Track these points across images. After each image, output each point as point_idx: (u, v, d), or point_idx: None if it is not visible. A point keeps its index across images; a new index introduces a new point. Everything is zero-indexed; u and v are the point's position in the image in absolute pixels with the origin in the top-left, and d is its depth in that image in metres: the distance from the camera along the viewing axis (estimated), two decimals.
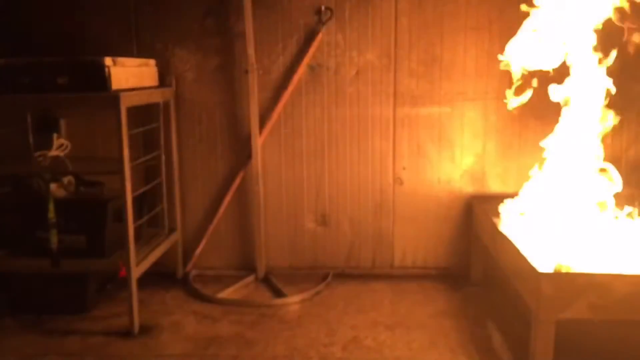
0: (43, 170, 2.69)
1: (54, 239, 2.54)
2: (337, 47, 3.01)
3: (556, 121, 2.69)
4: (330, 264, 3.18)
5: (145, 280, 2.69)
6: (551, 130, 2.87)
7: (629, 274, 1.90)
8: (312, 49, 2.98)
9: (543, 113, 2.91)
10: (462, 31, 2.96)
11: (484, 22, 2.95)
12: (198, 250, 3.17)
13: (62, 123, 3.00)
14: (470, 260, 3.06)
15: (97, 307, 2.76)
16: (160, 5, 3.01)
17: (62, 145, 2.94)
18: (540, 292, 1.91)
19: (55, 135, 2.92)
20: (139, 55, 2.99)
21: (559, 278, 1.94)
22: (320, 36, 2.97)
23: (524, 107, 2.98)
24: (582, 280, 1.90)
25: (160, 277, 3.08)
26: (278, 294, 2.93)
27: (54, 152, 2.90)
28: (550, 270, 2.00)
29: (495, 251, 2.57)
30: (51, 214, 2.52)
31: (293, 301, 2.84)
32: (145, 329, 2.54)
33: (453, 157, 3.07)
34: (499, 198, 2.90)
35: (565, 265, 2.01)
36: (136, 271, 2.52)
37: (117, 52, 2.59)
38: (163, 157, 3.01)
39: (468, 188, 3.08)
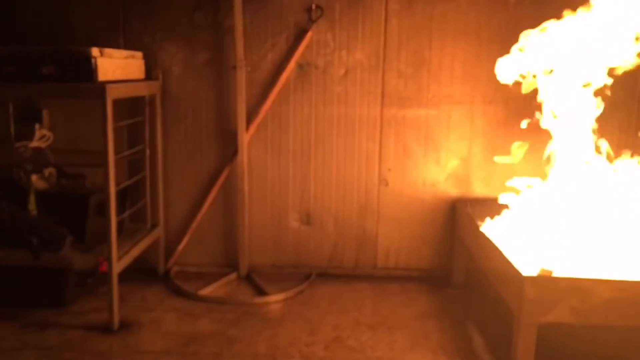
0: (24, 161, 2.64)
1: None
2: (326, 46, 3.01)
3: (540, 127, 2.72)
4: (313, 264, 3.17)
5: (126, 276, 2.66)
6: (536, 135, 2.92)
7: (611, 279, 1.92)
8: (301, 47, 2.97)
9: (528, 117, 2.95)
10: (450, 35, 2.98)
11: (472, 26, 2.97)
12: (180, 247, 3.14)
13: (45, 114, 2.95)
14: (453, 263, 3.08)
15: (76, 301, 2.72)
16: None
17: (44, 136, 2.89)
18: (523, 295, 1.93)
19: (37, 126, 2.87)
20: (126, 47, 2.95)
21: (542, 282, 1.96)
22: (310, 34, 2.97)
23: (509, 112, 3.03)
24: (565, 285, 1.92)
25: (141, 272, 3.04)
26: (260, 292, 2.91)
27: (35, 143, 2.85)
28: (534, 274, 2.01)
29: (478, 254, 2.59)
30: (32, 206, 2.48)
31: (275, 300, 2.83)
32: (125, 325, 2.51)
33: (438, 159, 3.08)
34: (483, 201, 2.93)
35: (548, 269, 2.03)
36: (117, 266, 2.49)
37: (103, 43, 2.55)
38: (147, 152, 2.97)
39: (452, 191, 3.10)
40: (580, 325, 1.92)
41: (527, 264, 2.07)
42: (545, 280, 1.97)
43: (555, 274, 2.01)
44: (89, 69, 2.32)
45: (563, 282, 1.94)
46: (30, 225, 1.81)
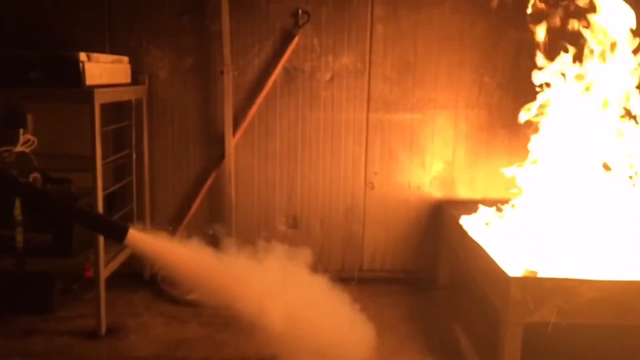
0: (9, 166, 2.61)
1: (19, 237, 2.47)
2: (312, 51, 3.03)
3: (523, 129, 2.78)
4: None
5: (112, 281, 2.63)
6: (518, 139, 2.98)
7: (595, 279, 1.97)
8: (288, 52, 2.99)
9: (510, 122, 3.01)
10: (435, 40, 3.03)
11: (456, 32, 3.02)
12: None
13: (29, 118, 2.92)
14: (438, 264, 3.12)
15: (62, 307, 2.69)
16: (135, 2, 2.97)
17: (28, 140, 2.86)
18: (509, 296, 1.97)
19: (21, 131, 2.84)
20: (112, 51, 2.94)
21: (528, 282, 2.00)
22: (296, 39, 2.99)
23: (492, 117, 3.08)
24: (550, 285, 1.97)
25: (127, 278, 3.02)
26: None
27: (19, 148, 2.82)
28: (520, 275, 2.05)
29: (464, 255, 2.63)
30: (17, 212, 2.45)
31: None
32: (112, 331, 2.49)
33: (423, 163, 3.12)
34: (467, 204, 2.97)
35: (533, 269, 2.07)
36: (105, 271, 2.48)
37: (89, 48, 2.54)
38: (134, 156, 2.96)
39: (437, 193, 3.14)
40: (565, 324, 1.96)
41: (512, 265, 2.11)
42: (530, 281, 2.01)
43: (540, 275, 2.05)
44: (76, 74, 2.31)
45: (548, 282, 1.98)
46: (93, 218, 1.80)
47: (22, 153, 2.78)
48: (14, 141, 2.80)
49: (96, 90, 2.32)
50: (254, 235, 3.15)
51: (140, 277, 3.09)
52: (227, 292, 1.98)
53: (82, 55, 2.35)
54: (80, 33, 2.95)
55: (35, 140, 2.86)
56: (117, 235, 1.75)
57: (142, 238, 1.84)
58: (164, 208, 3.13)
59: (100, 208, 2.40)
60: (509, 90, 3.03)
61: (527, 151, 2.77)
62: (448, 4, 2.98)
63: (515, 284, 1.97)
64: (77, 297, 2.79)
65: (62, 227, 2.58)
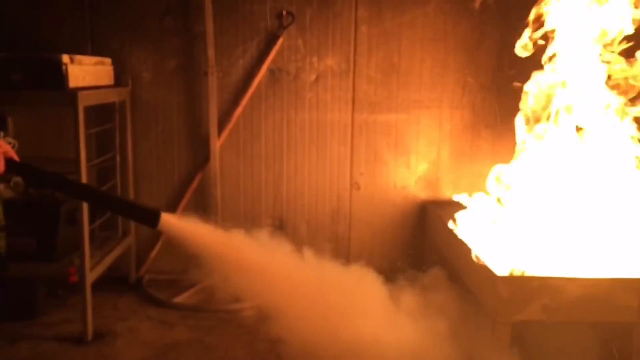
0: None
1: (2, 242, 2.42)
2: (297, 52, 3.03)
3: (506, 130, 2.81)
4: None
5: (97, 285, 2.60)
6: (501, 139, 3.02)
7: (580, 277, 2.01)
8: (272, 53, 2.99)
9: (493, 122, 3.05)
10: (419, 41, 3.05)
11: (439, 33, 3.04)
12: (152, 254, 3.11)
13: (10, 121, 2.87)
14: (424, 264, 3.13)
15: (47, 313, 2.66)
16: (118, 3, 2.94)
17: (9, 144, 2.81)
18: (498, 295, 1.99)
19: (1, 134, 2.79)
20: (94, 53, 2.90)
21: (515, 281, 2.03)
22: (281, 40, 2.98)
23: (475, 117, 3.11)
24: (536, 284, 2.00)
25: (112, 281, 2.98)
26: (235, 298, 2.90)
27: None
28: (507, 274, 2.08)
29: (451, 255, 2.65)
30: (0, 216, 2.41)
31: (251, 305, 2.83)
32: (99, 335, 2.47)
33: (408, 163, 3.14)
34: (452, 203, 3.00)
35: (519, 268, 2.10)
36: (90, 276, 2.45)
37: (71, 49, 2.51)
38: (118, 159, 2.93)
39: (422, 193, 3.16)
40: (552, 322, 1.99)
41: (499, 264, 2.14)
42: (517, 280, 2.04)
43: (527, 273, 2.08)
44: (59, 76, 2.27)
45: (535, 281, 2.01)
46: (126, 205, 1.78)
47: None
48: None
49: (80, 93, 2.30)
50: None
51: (126, 280, 3.06)
52: (260, 277, 1.94)
53: (65, 57, 2.32)
54: (62, 34, 2.91)
55: (17, 143, 2.81)
56: (150, 221, 1.73)
57: (174, 222, 1.82)
58: None
59: (85, 212, 2.37)
60: (492, 90, 3.07)
61: (511, 151, 2.81)
62: (431, 5, 3.01)
63: (503, 283, 1.99)
64: (62, 302, 2.75)
65: (45, 232, 2.54)
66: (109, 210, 1.79)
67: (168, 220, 1.78)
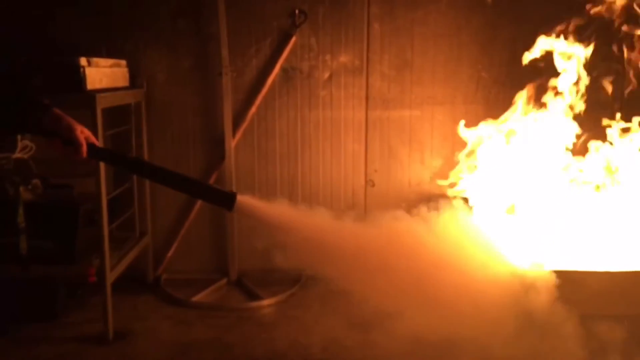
0: (7, 173, 2.60)
1: (23, 244, 2.46)
2: (310, 50, 3.04)
3: None
4: (303, 266, 3.19)
5: (115, 285, 2.62)
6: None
7: (601, 271, 2.00)
8: (285, 52, 2.99)
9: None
10: (431, 37, 3.04)
11: (452, 29, 3.04)
12: (169, 254, 3.12)
13: None
14: None
15: (67, 313, 2.68)
16: (131, 5, 2.95)
17: (26, 147, 2.84)
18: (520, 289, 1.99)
19: (19, 137, 2.82)
20: (109, 55, 2.91)
21: (535, 275, 2.03)
22: (294, 39, 2.99)
23: (489, 112, 3.10)
24: (557, 277, 1.99)
25: (130, 281, 3.00)
26: (252, 296, 2.92)
27: (18, 154, 2.80)
28: (527, 267, 2.08)
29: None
30: (21, 219, 2.44)
31: (268, 303, 2.85)
32: (119, 335, 2.49)
33: (423, 159, 3.14)
34: (466, 199, 2.99)
35: (539, 263, 2.10)
36: (111, 276, 2.47)
37: (86, 52, 2.53)
38: None
39: (437, 190, 3.16)
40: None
41: (519, 258, 2.14)
42: (538, 274, 2.03)
43: (547, 267, 2.08)
44: (77, 79, 2.30)
45: (555, 274, 2.01)
46: (203, 188, 1.80)
47: (20, 159, 2.76)
48: (12, 148, 2.78)
49: (98, 95, 2.31)
50: (256, 234, 3.15)
51: (143, 280, 3.08)
52: (343, 255, 1.91)
53: (83, 60, 2.34)
54: (77, 36, 2.92)
55: (34, 146, 2.84)
56: (227, 203, 1.75)
57: (249, 203, 1.82)
58: (165, 211, 3.12)
59: (104, 213, 2.40)
60: (506, 85, 3.05)
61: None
62: (444, 1, 3.00)
63: (524, 277, 1.99)
64: (81, 302, 2.77)
65: (65, 233, 2.56)
66: (185, 192, 1.82)
67: (244, 202, 1.78)
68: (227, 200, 1.75)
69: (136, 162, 1.66)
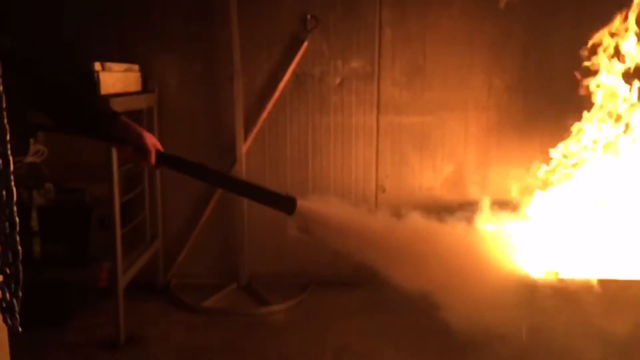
0: (23, 177, 2.61)
1: (36, 248, 2.46)
2: (321, 55, 3.04)
3: (532, 131, 2.81)
4: (313, 271, 3.19)
5: (125, 289, 2.62)
6: (528, 140, 3.01)
7: (617, 279, 1.99)
8: (297, 57, 2.99)
9: (520, 124, 3.04)
10: (443, 43, 3.04)
11: (464, 35, 3.03)
12: (180, 258, 3.12)
13: None
14: None
15: (78, 317, 2.68)
16: (144, 10, 2.96)
17: (38, 151, 2.85)
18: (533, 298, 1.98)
19: (31, 141, 2.83)
20: (121, 59, 2.92)
21: (550, 284, 2.01)
22: (305, 44, 2.99)
23: (501, 118, 3.10)
24: (572, 286, 1.98)
25: (139, 285, 3.00)
26: (262, 302, 2.92)
27: (30, 159, 2.81)
28: (541, 276, 2.07)
29: None
30: (34, 222, 2.44)
31: (279, 309, 2.84)
32: (131, 340, 2.48)
33: (434, 165, 3.13)
34: (478, 205, 2.98)
35: (554, 271, 2.09)
36: (123, 281, 2.47)
37: (99, 56, 2.53)
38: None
39: (448, 195, 3.15)
40: None
41: (532, 267, 2.12)
42: (553, 283, 2.02)
43: (561, 276, 2.06)
44: (92, 83, 2.30)
45: (570, 283, 1.99)
46: (264, 192, 1.82)
47: (33, 163, 2.77)
48: (25, 151, 2.79)
49: (112, 100, 2.32)
50: (267, 239, 3.15)
51: (153, 284, 3.08)
52: (407, 258, 1.90)
53: (97, 65, 2.35)
54: (89, 40, 2.93)
55: (46, 150, 2.85)
56: (288, 207, 1.77)
57: (310, 207, 1.83)
58: (176, 215, 3.12)
59: (117, 217, 2.40)
60: (519, 91, 3.04)
61: (537, 152, 2.81)
62: (456, 6, 3.00)
63: (538, 286, 1.98)
64: (92, 306, 2.77)
65: (77, 237, 2.57)
66: (248, 197, 1.86)
67: (303, 206, 1.79)
68: (287, 204, 1.79)
69: (201, 168, 1.69)
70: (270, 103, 3.03)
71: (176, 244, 3.13)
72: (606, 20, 2.56)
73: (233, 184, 1.82)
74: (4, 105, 0.84)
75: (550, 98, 2.95)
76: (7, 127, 0.85)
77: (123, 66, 2.69)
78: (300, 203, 1.77)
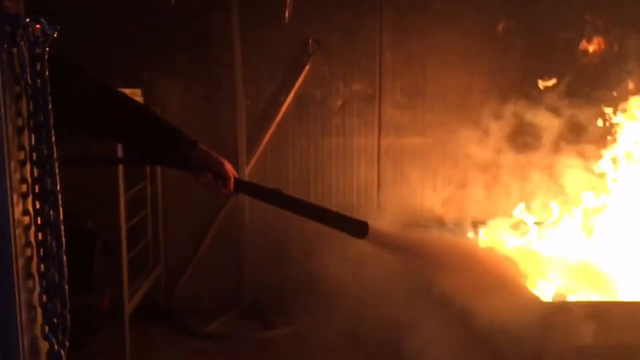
0: None
1: None
2: (323, 78, 3.07)
3: (534, 151, 2.85)
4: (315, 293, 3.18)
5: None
6: (528, 160, 3.05)
7: (626, 301, 2.02)
8: (299, 80, 3.02)
9: (520, 144, 3.07)
10: (443, 65, 3.09)
11: (463, 57, 3.08)
12: (182, 282, 3.11)
13: None
14: None
15: (82, 344, 2.64)
16: (146, 35, 2.97)
17: None
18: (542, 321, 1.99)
19: None
20: (124, 84, 2.92)
21: (559, 306, 2.03)
22: (307, 68, 3.02)
23: (501, 138, 3.14)
24: (581, 308, 2.00)
25: (141, 310, 2.97)
26: (266, 325, 2.91)
27: None
28: (551, 299, 2.09)
29: None
30: None
31: (284, 332, 2.83)
32: None
33: (435, 185, 3.16)
34: (479, 225, 3.01)
35: (562, 293, 2.11)
36: (129, 307, 2.45)
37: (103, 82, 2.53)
38: (149, 189, 2.95)
39: (449, 215, 3.17)
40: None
41: (541, 289, 2.15)
42: (562, 305, 2.04)
43: (570, 299, 2.09)
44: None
45: (578, 306, 2.02)
46: (336, 216, 1.82)
47: None
48: None
49: None
50: (269, 262, 3.15)
51: (155, 308, 3.06)
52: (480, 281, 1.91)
53: None
54: (91, 65, 2.92)
55: None
56: (360, 232, 1.77)
57: (379, 231, 1.84)
58: (177, 240, 3.11)
59: (124, 242, 2.39)
60: (517, 112, 3.08)
61: (536, 170, 2.85)
62: (455, 29, 3.05)
63: (547, 309, 2.00)
64: (96, 333, 2.74)
65: (82, 262, 2.55)
66: (323, 223, 1.86)
67: (374, 231, 1.80)
68: (360, 229, 1.80)
69: (275, 194, 1.71)
70: (272, 126, 3.05)
71: (178, 268, 3.12)
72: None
73: (308, 209, 1.83)
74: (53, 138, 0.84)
75: None
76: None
77: (126, 91, 2.68)
78: (373, 228, 1.78)
